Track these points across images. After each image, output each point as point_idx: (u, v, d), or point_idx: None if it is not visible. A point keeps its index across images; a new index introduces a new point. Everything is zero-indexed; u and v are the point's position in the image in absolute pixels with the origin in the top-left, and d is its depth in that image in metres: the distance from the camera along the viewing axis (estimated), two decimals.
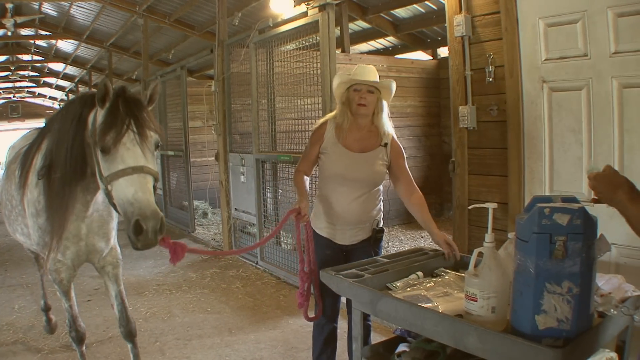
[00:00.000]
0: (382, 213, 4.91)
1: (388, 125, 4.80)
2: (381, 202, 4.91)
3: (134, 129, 3.81)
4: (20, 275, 9.74)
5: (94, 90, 4.45)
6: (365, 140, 4.75)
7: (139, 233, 3.62)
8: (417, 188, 4.79)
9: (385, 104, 4.78)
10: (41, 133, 4.81)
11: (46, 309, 6.87)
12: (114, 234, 5.14)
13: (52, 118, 4.84)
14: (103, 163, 3.83)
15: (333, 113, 4.92)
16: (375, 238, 4.74)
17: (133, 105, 3.90)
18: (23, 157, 4.88)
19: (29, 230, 4.97)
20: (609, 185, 2.53)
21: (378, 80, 4.70)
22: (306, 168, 4.89)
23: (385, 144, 4.74)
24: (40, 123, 31.16)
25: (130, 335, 5.23)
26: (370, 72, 4.70)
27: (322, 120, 5.00)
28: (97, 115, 3.94)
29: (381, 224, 4.87)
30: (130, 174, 3.70)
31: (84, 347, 5.33)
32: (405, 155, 4.85)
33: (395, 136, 4.85)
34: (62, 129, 4.29)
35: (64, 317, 7.06)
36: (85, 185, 4.40)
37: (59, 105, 41.89)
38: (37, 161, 4.64)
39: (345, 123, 4.73)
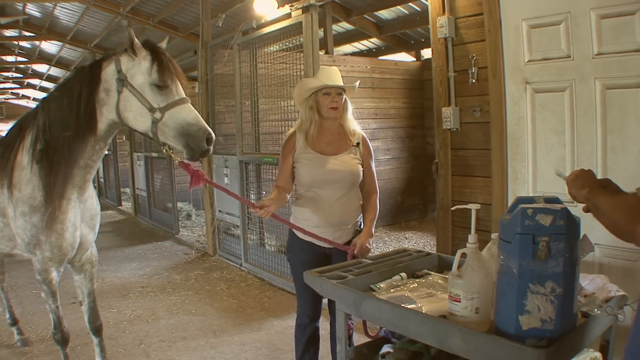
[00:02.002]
0: (362, 214, 4.92)
1: (355, 123, 4.87)
2: (361, 203, 4.91)
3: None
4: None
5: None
6: (337, 142, 4.80)
7: (210, 143, 4.46)
8: (377, 190, 4.94)
9: (349, 102, 4.85)
10: (19, 131, 5.00)
11: (14, 323, 6.86)
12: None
13: (28, 115, 5.09)
14: (158, 97, 4.50)
15: (298, 123, 4.95)
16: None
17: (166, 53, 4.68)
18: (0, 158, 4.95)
19: (10, 232, 5.01)
20: (581, 181, 2.52)
21: (341, 79, 4.77)
22: (284, 183, 4.90)
23: (358, 144, 4.80)
24: None
25: (98, 330, 5.53)
26: (337, 74, 4.76)
27: (290, 132, 5.02)
28: (124, 63, 4.61)
29: (363, 225, 4.88)
30: (187, 102, 4.56)
31: (67, 349, 5.32)
32: (373, 157, 4.93)
33: (365, 135, 4.91)
34: (64, 102, 4.70)
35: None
36: (89, 152, 4.82)
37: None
38: (24, 157, 4.82)
39: (312, 129, 4.78)
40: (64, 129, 4.61)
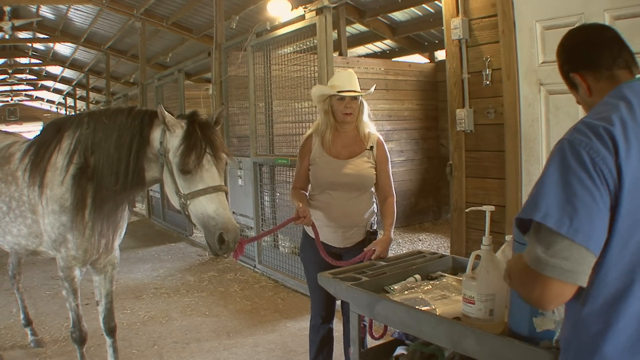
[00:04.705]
0: (375, 216, 4.92)
1: (370, 126, 4.85)
2: (374, 206, 4.92)
3: (210, 152, 4.33)
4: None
5: (149, 108, 4.85)
6: (352, 145, 4.79)
7: (222, 243, 4.18)
8: (393, 192, 4.89)
9: (365, 104, 4.83)
10: (56, 132, 5.01)
11: (28, 324, 6.87)
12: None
13: (70, 121, 5.08)
14: (182, 182, 4.32)
15: (316, 124, 4.97)
16: (369, 240, 4.72)
17: (206, 129, 4.40)
18: (34, 157, 4.96)
19: (38, 229, 5.05)
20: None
21: (357, 82, 4.75)
22: (301, 184, 4.96)
23: (371, 147, 4.78)
24: (38, 126, 31.26)
25: (112, 331, 5.52)
26: (352, 79, 4.75)
27: (307, 134, 5.04)
28: (167, 137, 4.42)
29: (375, 227, 4.89)
30: (211, 192, 4.26)
31: (84, 349, 5.35)
32: (389, 159, 4.89)
33: (381, 138, 4.89)
34: (111, 140, 4.63)
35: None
36: (139, 191, 4.99)
37: (57, 108, 41.94)
38: (58, 159, 4.85)
39: (328, 133, 4.78)
40: (110, 175, 4.59)
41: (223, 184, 4.38)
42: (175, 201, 4.45)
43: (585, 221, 2.02)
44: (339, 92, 4.67)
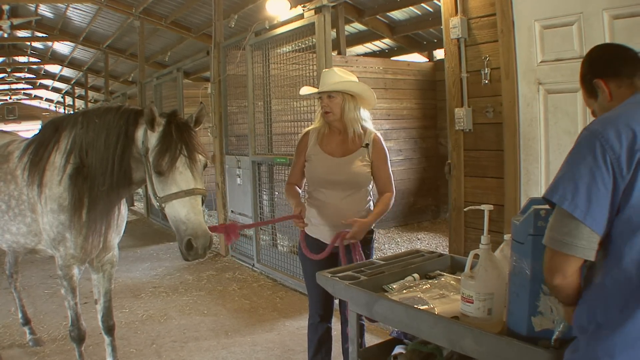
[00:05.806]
0: None
1: (362, 122, 4.80)
2: (371, 204, 4.91)
3: (185, 154, 4.24)
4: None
5: (135, 107, 4.86)
6: (346, 143, 4.78)
7: (190, 249, 4.17)
8: (393, 189, 4.86)
9: (351, 103, 4.73)
10: (54, 131, 5.00)
11: (26, 323, 6.84)
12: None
13: (67, 120, 5.06)
14: (157, 184, 4.29)
15: (315, 123, 4.99)
16: (365, 239, 4.73)
17: (184, 130, 4.32)
18: (33, 156, 4.96)
19: (37, 227, 5.05)
20: None
21: (336, 79, 4.70)
22: (296, 179, 4.98)
23: (367, 145, 4.76)
24: (36, 125, 31.26)
25: (111, 330, 5.50)
26: (331, 76, 4.73)
27: (304, 130, 5.06)
28: (148, 136, 4.37)
29: (371, 226, 4.87)
30: (183, 197, 4.20)
31: (82, 348, 5.35)
32: (387, 156, 4.86)
33: (379, 135, 4.86)
34: (101, 140, 4.60)
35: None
36: (127, 190, 4.84)
37: (55, 107, 41.95)
38: (57, 159, 4.85)
39: (322, 130, 4.82)
40: (100, 175, 4.57)
41: (200, 186, 4.32)
42: (154, 202, 4.42)
43: (584, 199, 2.26)
44: (320, 91, 4.73)
